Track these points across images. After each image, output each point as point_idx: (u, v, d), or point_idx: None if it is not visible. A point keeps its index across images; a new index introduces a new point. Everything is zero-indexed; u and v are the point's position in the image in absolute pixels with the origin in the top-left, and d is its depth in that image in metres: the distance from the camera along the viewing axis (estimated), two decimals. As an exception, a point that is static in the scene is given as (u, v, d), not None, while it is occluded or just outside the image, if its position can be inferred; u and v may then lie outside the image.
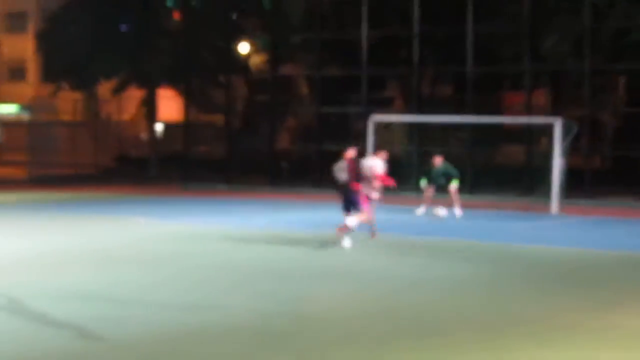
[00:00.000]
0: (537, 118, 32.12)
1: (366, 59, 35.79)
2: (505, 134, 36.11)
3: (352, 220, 18.77)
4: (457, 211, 25.55)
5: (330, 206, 22.39)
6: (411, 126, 35.19)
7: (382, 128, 31.50)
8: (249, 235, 20.36)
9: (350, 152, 19.23)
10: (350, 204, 18.82)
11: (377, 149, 24.32)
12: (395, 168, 22.51)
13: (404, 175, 28.83)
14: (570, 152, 28.71)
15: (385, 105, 39.74)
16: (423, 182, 26.22)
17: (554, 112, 32.14)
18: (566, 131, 27.87)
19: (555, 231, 23.06)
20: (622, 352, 10.24)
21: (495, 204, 29.36)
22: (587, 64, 31.90)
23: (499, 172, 32.56)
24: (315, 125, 37.70)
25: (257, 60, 43.60)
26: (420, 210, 26.03)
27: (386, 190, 21.67)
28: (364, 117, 31.68)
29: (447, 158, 26.51)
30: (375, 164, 20.66)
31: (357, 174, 19.04)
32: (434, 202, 25.85)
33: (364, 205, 19.18)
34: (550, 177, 27.43)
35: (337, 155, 19.45)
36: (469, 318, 11.89)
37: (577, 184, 30.82)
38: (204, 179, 37.67)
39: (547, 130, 29.09)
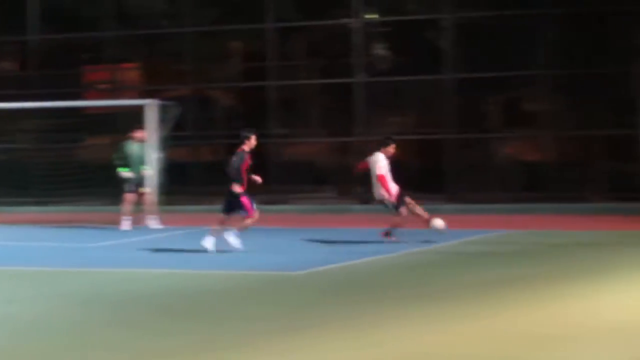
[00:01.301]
0: (127, 100, 32.10)
1: None
2: (88, 123, 35.63)
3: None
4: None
5: None
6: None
7: None
8: None
9: (252, 141, 20.78)
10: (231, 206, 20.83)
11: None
12: None
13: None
14: (173, 141, 28.76)
15: None
16: (125, 170, 26.39)
17: (150, 91, 32.05)
18: (166, 115, 27.89)
19: (152, 250, 22.91)
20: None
21: (77, 217, 29.04)
22: (189, 26, 32.21)
23: (82, 173, 32.01)
24: None
25: None
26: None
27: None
28: None
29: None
30: (378, 161, 21.52)
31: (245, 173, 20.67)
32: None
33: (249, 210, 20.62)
34: (152, 176, 27.42)
35: None
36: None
37: (185, 184, 31.12)
38: None
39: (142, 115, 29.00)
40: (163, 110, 27.96)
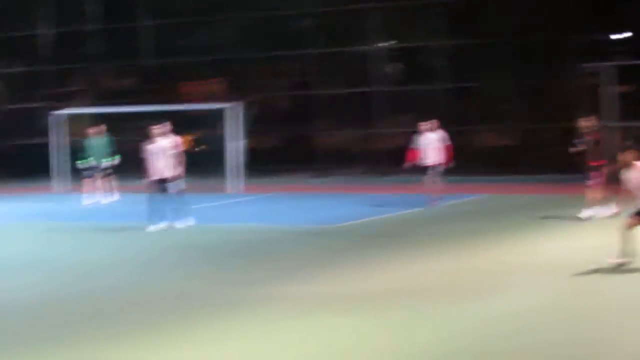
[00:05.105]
0: (215, 104, 32.51)
1: (49, 55, 34.74)
2: (188, 121, 36.01)
3: None
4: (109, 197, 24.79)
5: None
6: (97, 118, 34.53)
7: (69, 122, 30.42)
8: None
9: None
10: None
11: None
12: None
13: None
14: (249, 133, 29.20)
15: (70, 99, 38.53)
16: (81, 162, 24.89)
17: (232, 98, 32.54)
18: (243, 115, 28.29)
19: (236, 209, 22.95)
20: (282, 321, 10.28)
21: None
22: (256, 52, 32.37)
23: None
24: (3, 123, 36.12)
25: None
26: (88, 199, 24.50)
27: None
28: (47, 112, 30.54)
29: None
30: None
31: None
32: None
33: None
34: (233, 158, 27.68)
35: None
36: (145, 300, 11.66)
37: (257, 163, 31.60)
38: None
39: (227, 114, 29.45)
40: (241, 111, 28.13)
